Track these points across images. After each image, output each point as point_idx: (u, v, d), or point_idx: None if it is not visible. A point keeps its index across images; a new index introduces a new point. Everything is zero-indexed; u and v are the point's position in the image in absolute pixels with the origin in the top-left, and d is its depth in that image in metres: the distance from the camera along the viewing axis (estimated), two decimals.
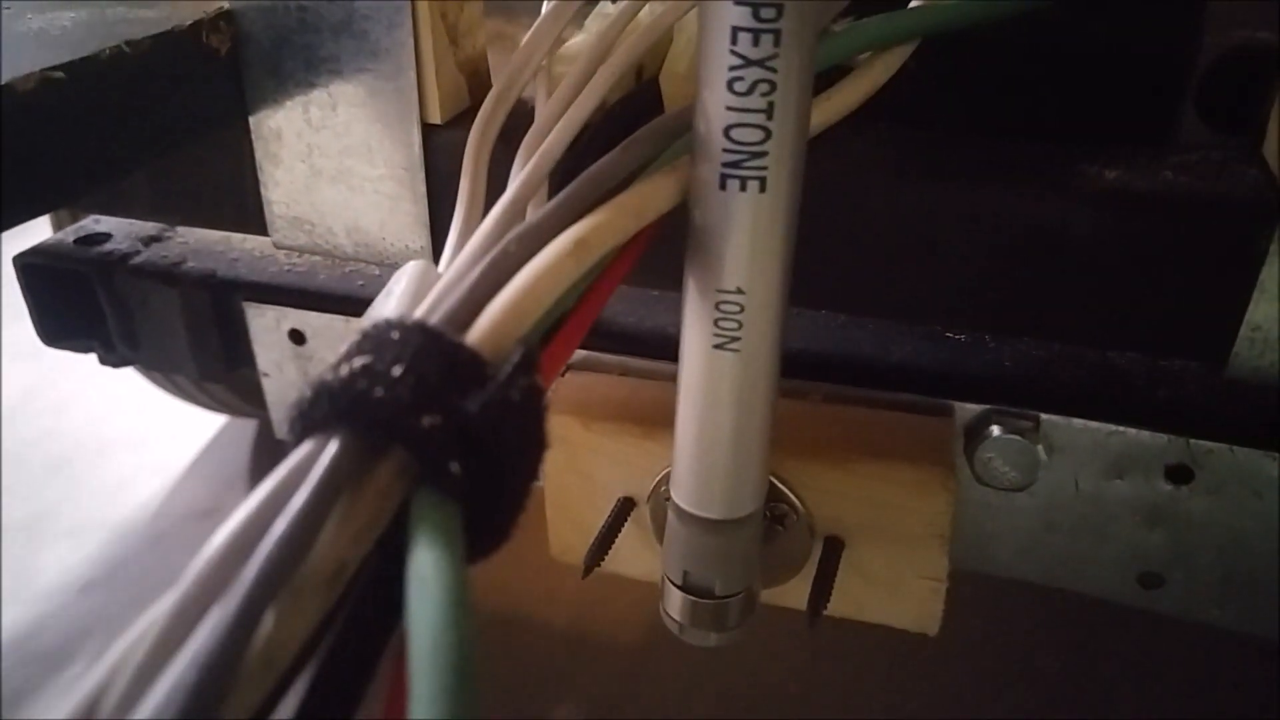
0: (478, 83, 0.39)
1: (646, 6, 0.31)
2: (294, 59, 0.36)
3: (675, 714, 0.76)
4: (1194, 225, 0.30)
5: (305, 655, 0.14)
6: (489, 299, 0.18)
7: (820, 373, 0.33)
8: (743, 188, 0.21)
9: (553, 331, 0.21)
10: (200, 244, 0.42)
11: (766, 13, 0.19)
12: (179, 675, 0.12)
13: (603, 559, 0.33)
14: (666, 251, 0.24)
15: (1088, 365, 0.32)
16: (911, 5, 0.29)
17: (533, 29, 0.32)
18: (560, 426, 0.33)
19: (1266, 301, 0.30)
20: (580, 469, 0.34)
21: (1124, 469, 0.31)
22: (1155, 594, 0.33)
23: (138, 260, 0.40)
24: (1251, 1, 0.35)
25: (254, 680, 0.13)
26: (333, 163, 0.38)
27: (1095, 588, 0.33)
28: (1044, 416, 0.31)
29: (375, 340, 0.17)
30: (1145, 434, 0.30)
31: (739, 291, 0.23)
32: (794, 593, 0.32)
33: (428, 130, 0.36)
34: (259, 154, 0.39)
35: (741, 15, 0.20)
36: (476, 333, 0.18)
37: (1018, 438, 0.31)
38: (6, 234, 0.30)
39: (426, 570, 0.14)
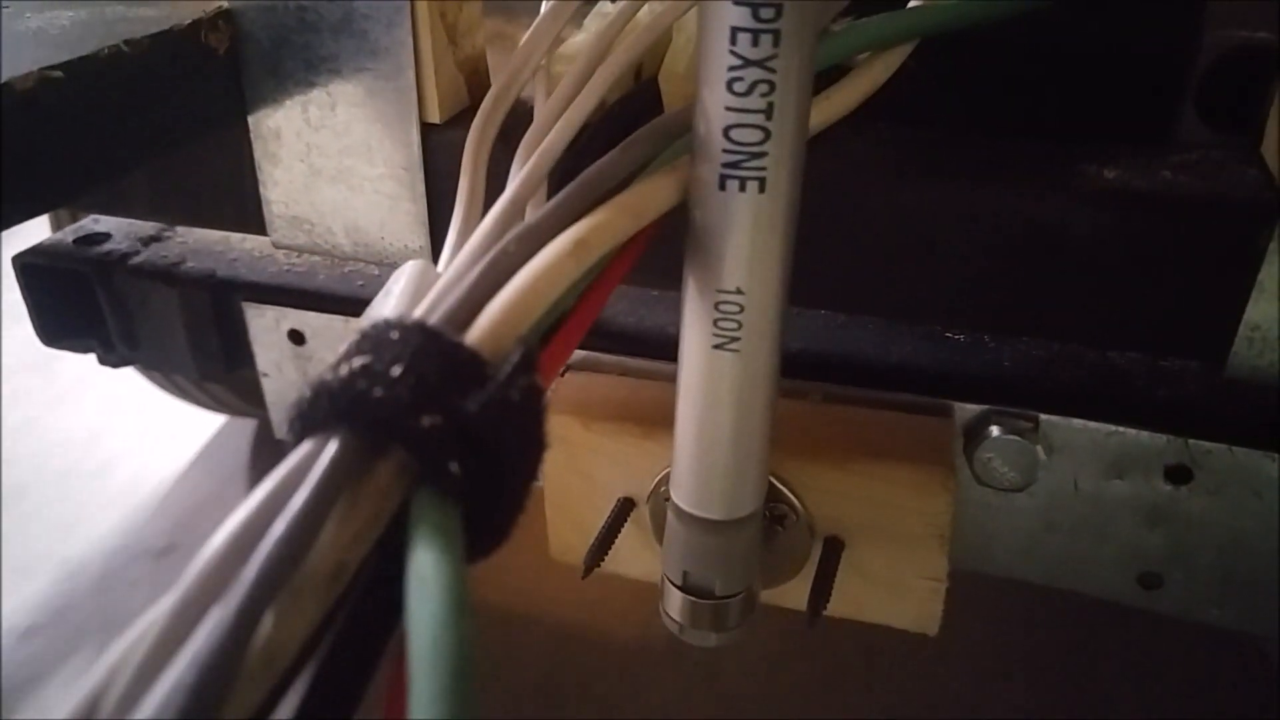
0: (477, 82, 0.38)
1: (645, 6, 0.31)
2: (293, 58, 0.36)
3: (675, 714, 0.76)
4: (1193, 225, 0.30)
5: (305, 655, 0.14)
6: (488, 299, 0.18)
7: (820, 373, 0.33)
8: (742, 188, 0.21)
9: (552, 331, 0.21)
10: (200, 244, 0.42)
11: (766, 13, 0.19)
12: (179, 675, 0.12)
13: (603, 559, 0.33)
14: (666, 251, 0.24)
15: (1087, 365, 0.32)
16: (911, 5, 0.29)
17: (532, 28, 0.32)
18: (560, 426, 0.33)
19: (1265, 301, 0.30)
20: (580, 469, 0.34)
21: (1123, 469, 0.31)
22: (1155, 594, 0.33)
23: (137, 260, 0.40)
24: (1251, 1, 0.35)
25: (254, 680, 0.13)
26: (332, 162, 0.38)
27: (1095, 588, 0.33)
28: (1043, 417, 0.31)
29: (375, 340, 0.16)
30: (1145, 434, 0.30)
31: (738, 292, 0.23)
32: (794, 593, 0.32)
33: (427, 130, 0.36)
34: (258, 153, 0.39)
35: (741, 15, 0.20)
36: (476, 332, 0.18)
37: (1017, 438, 0.31)
38: (6, 234, 0.30)
39: (426, 570, 0.14)
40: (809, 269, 0.25)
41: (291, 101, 0.37)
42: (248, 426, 1.12)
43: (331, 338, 0.38)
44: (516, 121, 0.31)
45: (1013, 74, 0.34)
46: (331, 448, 0.15)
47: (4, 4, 0.35)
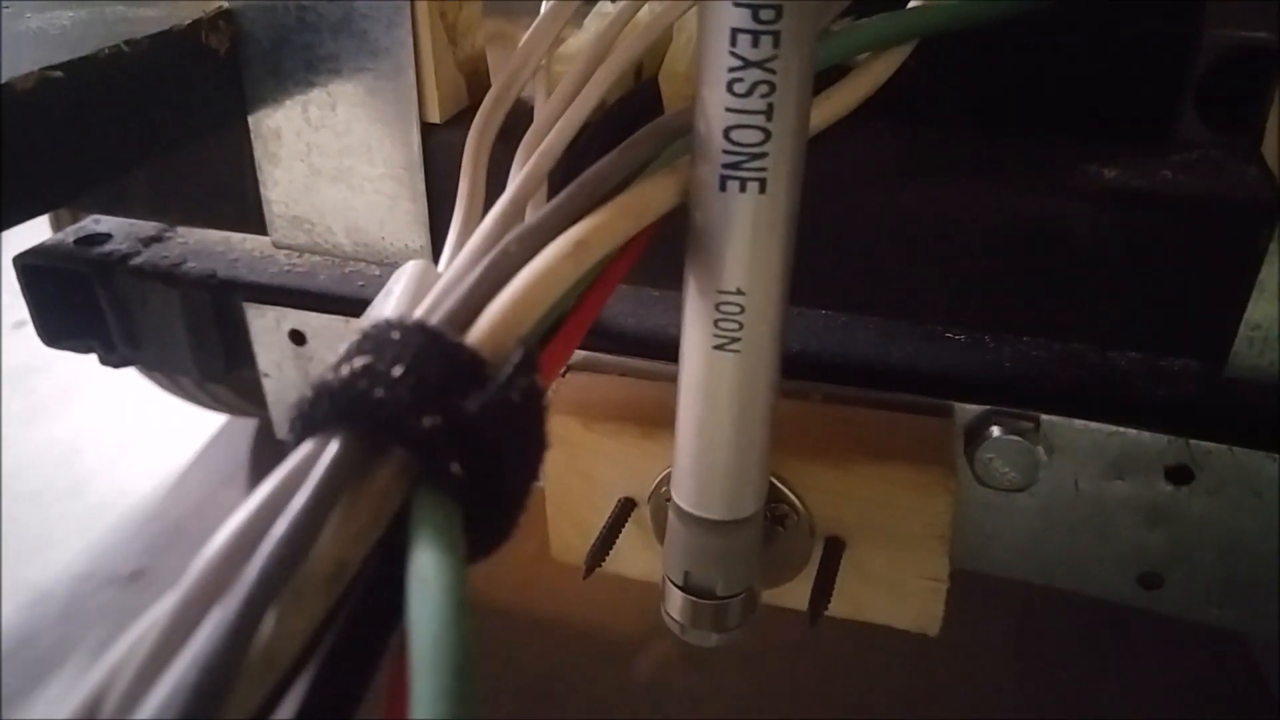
0: (477, 82, 0.39)
1: (646, 6, 0.31)
2: (293, 58, 0.36)
3: (676, 714, 0.76)
4: (1194, 224, 0.30)
5: (306, 655, 0.14)
6: (489, 299, 0.18)
7: (821, 373, 0.33)
8: (742, 189, 0.21)
9: (552, 331, 0.21)
10: (200, 244, 0.42)
11: (766, 14, 0.19)
12: (180, 675, 0.12)
13: (604, 559, 0.33)
14: (667, 251, 0.24)
15: (1088, 366, 0.32)
16: (911, 5, 0.29)
17: (532, 28, 0.32)
18: (561, 427, 0.33)
19: (1266, 300, 0.30)
20: (581, 469, 0.34)
21: (1124, 469, 0.31)
22: (1155, 594, 0.33)
23: (138, 261, 0.40)
24: (1251, 1, 0.35)
25: (255, 680, 0.13)
26: (332, 162, 0.38)
27: (1095, 588, 0.33)
28: (1044, 417, 0.31)
29: (375, 340, 0.17)
30: (1145, 435, 0.30)
31: (739, 292, 0.23)
32: (795, 593, 0.32)
33: (427, 129, 0.36)
34: (258, 153, 0.39)
35: (741, 17, 0.20)
36: (476, 333, 0.18)
37: (1018, 438, 0.31)
38: (6, 234, 0.30)
39: (427, 570, 0.14)
40: (809, 268, 0.26)
41: (292, 101, 0.37)
42: (244, 429, 1.11)
43: (332, 338, 0.38)
44: (517, 121, 0.31)
45: (1013, 74, 0.34)
46: (332, 448, 0.15)
47: (4, 4, 0.35)
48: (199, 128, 0.36)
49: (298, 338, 0.38)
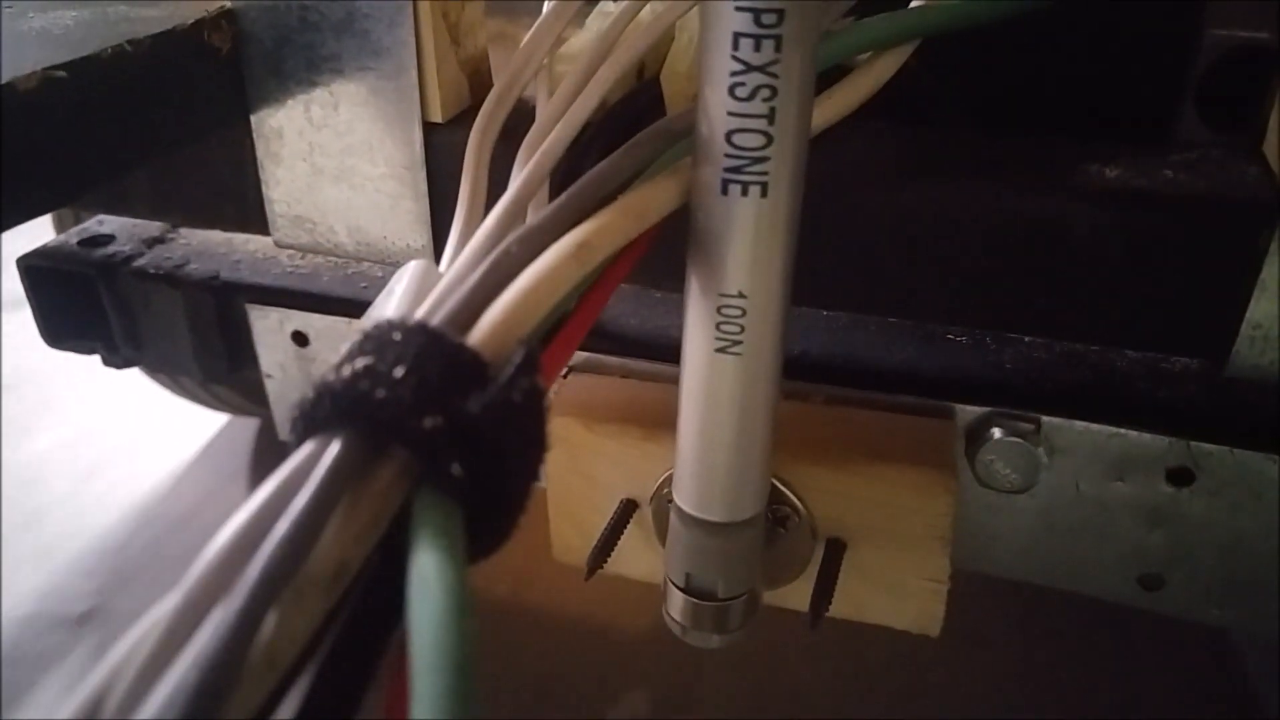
0: (479, 82, 0.39)
1: (648, 6, 0.31)
2: (295, 58, 0.36)
3: (676, 714, 0.76)
4: (1195, 224, 0.30)
5: (307, 655, 0.14)
6: (491, 300, 0.18)
7: (822, 375, 0.33)
8: (744, 193, 0.21)
9: (554, 332, 0.21)
10: (203, 246, 0.42)
11: (768, 18, 0.19)
12: (182, 675, 0.12)
13: (605, 561, 0.33)
14: (669, 253, 0.24)
15: (1089, 367, 0.32)
16: (912, 5, 0.29)
17: (534, 28, 0.32)
18: (562, 428, 0.33)
19: (1267, 300, 0.30)
20: (582, 470, 0.34)
21: (1125, 471, 0.31)
22: (1156, 595, 0.33)
23: (141, 262, 0.40)
24: (1251, 1, 0.35)
25: (256, 680, 0.13)
26: (334, 161, 0.38)
27: (1096, 589, 0.33)
28: (1045, 419, 0.31)
29: (377, 341, 0.17)
30: (1146, 436, 0.30)
31: (740, 295, 0.23)
32: (796, 594, 0.32)
33: (429, 129, 0.36)
34: (260, 153, 0.39)
35: (743, 21, 0.20)
36: (478, 334, 0.18)
37: (1019, 440, 0.31)
38: (7, 234, 0.30)
39: (428, 571, 0.14)
40: (810, 269, 0.26)
41: (294, 101, 0.37)
42: (245, 430, 1.10)
43: (335, 339, 0.38)
44: (518, 121, 0.31)
45: (1013, 74, 0.34)
46: (334, 448, 0.15)
47: (7, 4, 0.35)
48: (201, 127, 0.36)
49: (300, 339, 0.38)
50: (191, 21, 0.34)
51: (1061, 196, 0.31)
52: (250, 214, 0.41)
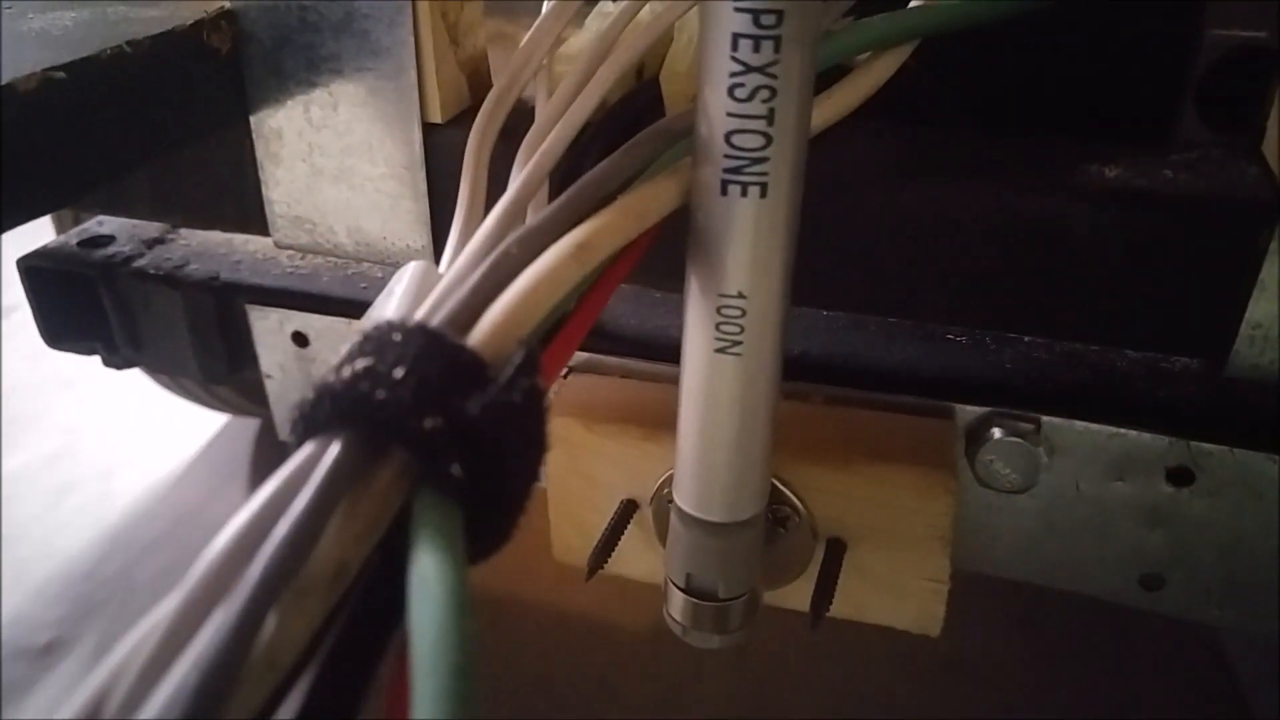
0: (478, 82, 0.39)
1: (647, 6, 0.31)
2: (295, 58, 0.36)
3: (676, 714, 0.76)
4: (1194, 223, 0.30)
5: (307, 656, 0.14)
6: (490, 301, 0.18)
7: (822, 375, 0.33)
8: (744, 193, 0.21)
9: (553, 333, 0.21)
10: (203, 246, 0.42)
11: (767, 19, 0.19)
12: (183, 676, 0.12)
13: (606, 561, 0.33)
14: (669, 253, 0.24)
15: (1089, 367, 0.32)
16: (912, 5, 0.29)
17: (533, 28, 0.32)
18: (562, 428, 0.33)
19: (1266, 299, 0.30)
20: (582, 471, 0.34)
21: (1125, 471, 0.31)
22: (1156, 595, 0.33)
23: (141, 263, 0.40)
24: (1251, 1, 0.35)
25: (257, 681, 0.13)
26: (334, 162, 0.38)
27: (1096, 589, 0.33)
28: (1045, 419, 0.31)
29: (377, 342, 0.17)
30: (1146, 436, 0.30)
31: (740, 296, 0.23)
32: (797, 594, 0.32)
33: (429, 129, 0.36)
34: (260, 153, 0.39)
35: (742, 22, 0.20)
36: (478, 335, 0.18)
37: (1019, 440, 0.31)
38: (8, 235, 0.30)
39: (428, 571, 0.14)
40: (809, 268, 0.26)
41: (293, 101, 0.37)
42: (245, 431, 1.10)
43: (335, 339, 0.38)
44: (518, 121, 0.31)
45: (1013, 74, 0.34)
46: (334, 449, 0.15)
47: (6, 4, 0.35)
48: (201, 128, 0.36)
49: (300, 339, 0.38)
50: (191, 22, 0.34)
51: (1061, 196, 0.31)
52: (250, 214, 0.41)
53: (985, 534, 0.33)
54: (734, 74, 0.20)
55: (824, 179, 0.29)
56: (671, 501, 0.28)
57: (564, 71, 0.31)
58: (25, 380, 1.16)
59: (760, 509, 0.28)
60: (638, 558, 0.34)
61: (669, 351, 0.30)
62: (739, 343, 0.23)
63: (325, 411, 0.16)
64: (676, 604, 0.29)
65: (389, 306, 0.20)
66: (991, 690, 0.77)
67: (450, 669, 0.13)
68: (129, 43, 0.31)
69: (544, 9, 0.32)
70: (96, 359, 0.42)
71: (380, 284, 0.38)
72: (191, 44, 0.34)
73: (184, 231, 0.43)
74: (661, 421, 0.31)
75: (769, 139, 0.21)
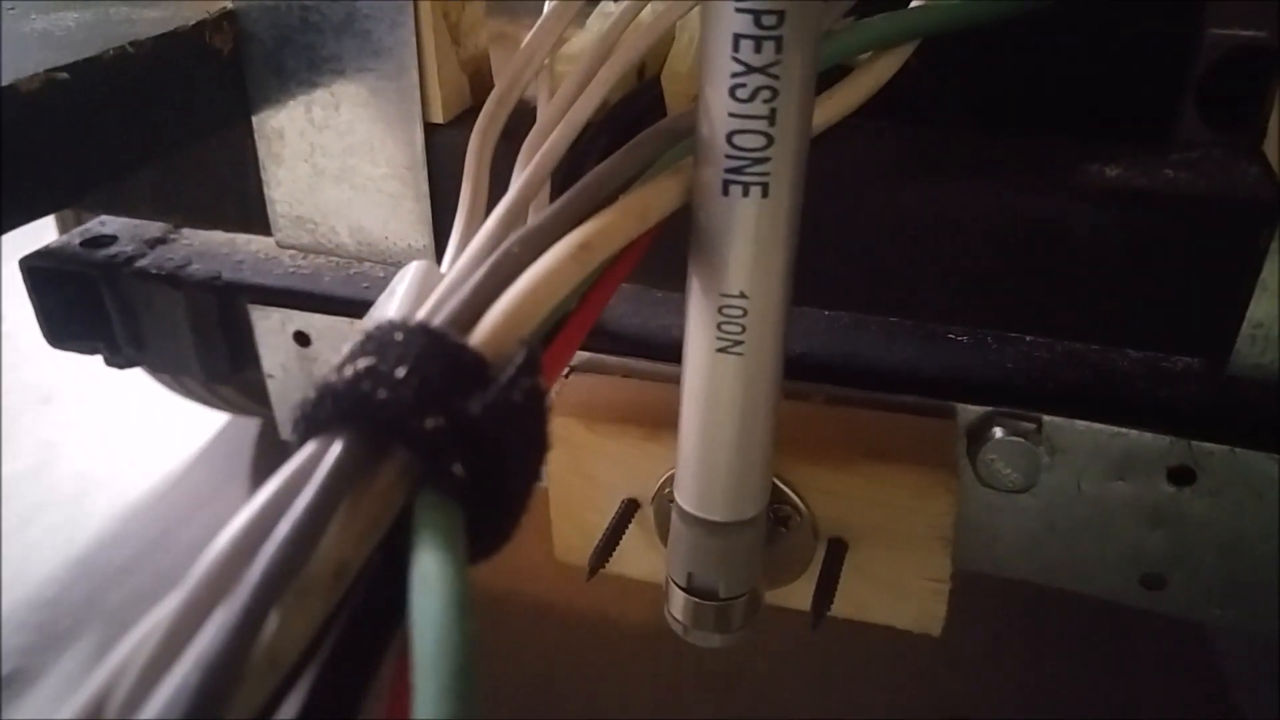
0: (480, 82, 0.39)
1: (648, 6, 0.31)
2: (296, 58, 0.36)
3: (677, 714, 0.76)
4: (1195, 223, 0.30)
5: (309, 655, 0.14)
6: (492, 301, 0.18)
7: (823, 375, 0.33)
8: (745, 193, 0.21)
9: (555, 332, 0.21)
10: (205, 246, 0.42)
11: (768, 20, 0.19)
12: (184, 676, 0.12)
13: (607, 560, 0.33)
14: (670, 253, 0.24)
15: (1090, 366, 0.32)
16: (912, 5, 0.29)
17: (535, 28, 0.32)
18: (563, 428, 0.33)
19: (1267, 299, 0.30)
20: (583, 471, 0.34)
21: (1126, 471, 0.31)
22: (1157, 595, 0.33)
23: (143, 263, 0.40)
24: (1251, 1, 0.35)
25: (258, 681, 0.13)
26: (335, 162, 0.38)
27: (1097, 588, 0.33)
28: (1046, 418, 0.31)
29: (379, 341, 0.17)
30: (1147, 436, 0.30)
31: (742, 295, 0.23)
32: (798, 594, 0.32)
33: (430, 129, 0.36)
34: (262, 153, 0.39)
35: (744, 22, 0.20)
36: (479, 334, 0.18)
37: (1020, 440, 0.31)
38: (8, 235, 0.30)
39: (429, 571, 0.14)
40: (810, 268, 0.26)
41: (295, 101, 0.37)
42: (235, 437, 1.09)
43: (336, 339, 0.38)
44: (519, 121, 0.31)
45: (1014, 74, 0.34)
46: (336, 449, 0.15)
47: (8, 5, 0.35)
48: (203, 128, 0.36)
49: (302, 339, 0.38)
50: (193, 23, 0.34)
51: (1062, 196, 0.31)
52: (252, 214, 0.41)
53: (986, 533, 0.33)
54: (735, 74, 0.20)
55: (825, 179, 0.29)
56: (673, 501, 0.28)
57: (565, 72, 0.31)
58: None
59: (761, 508, 0.28)
60: (639, 557, 0.34)
61: (670, 351, 0.30)
62: (740, 342, 0.23)
63: (327, 411, 0.16)
64: (678, 603, 0.29)
65: (391, 306, 0.20)
66: (992, 690, 0.77)
67: (451, 668, 0.13)
68: (131, 43, 0.31)
69: (545, 9, 0.32)
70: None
71: (382, 284, 0.38)
72: (193, 44, 0.34)
73: (186, 231, 0.43)
74: (663, 421, 0.31)
75: (770, 139, 0.21)
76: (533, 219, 0.21)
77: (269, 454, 1.07)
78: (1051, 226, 0.31)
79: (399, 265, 0.38)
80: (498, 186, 0.27)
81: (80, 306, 0.41)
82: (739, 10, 0.19)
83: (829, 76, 0.28)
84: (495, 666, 0.78)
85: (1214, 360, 0.32)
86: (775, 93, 0.20)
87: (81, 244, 0.41)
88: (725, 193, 0.21)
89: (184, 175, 0.42)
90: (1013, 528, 0.33)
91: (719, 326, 0.23)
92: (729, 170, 0.21)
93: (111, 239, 0.42)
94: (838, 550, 0.32)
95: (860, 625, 0.33)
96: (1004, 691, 0.77)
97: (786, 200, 0.22)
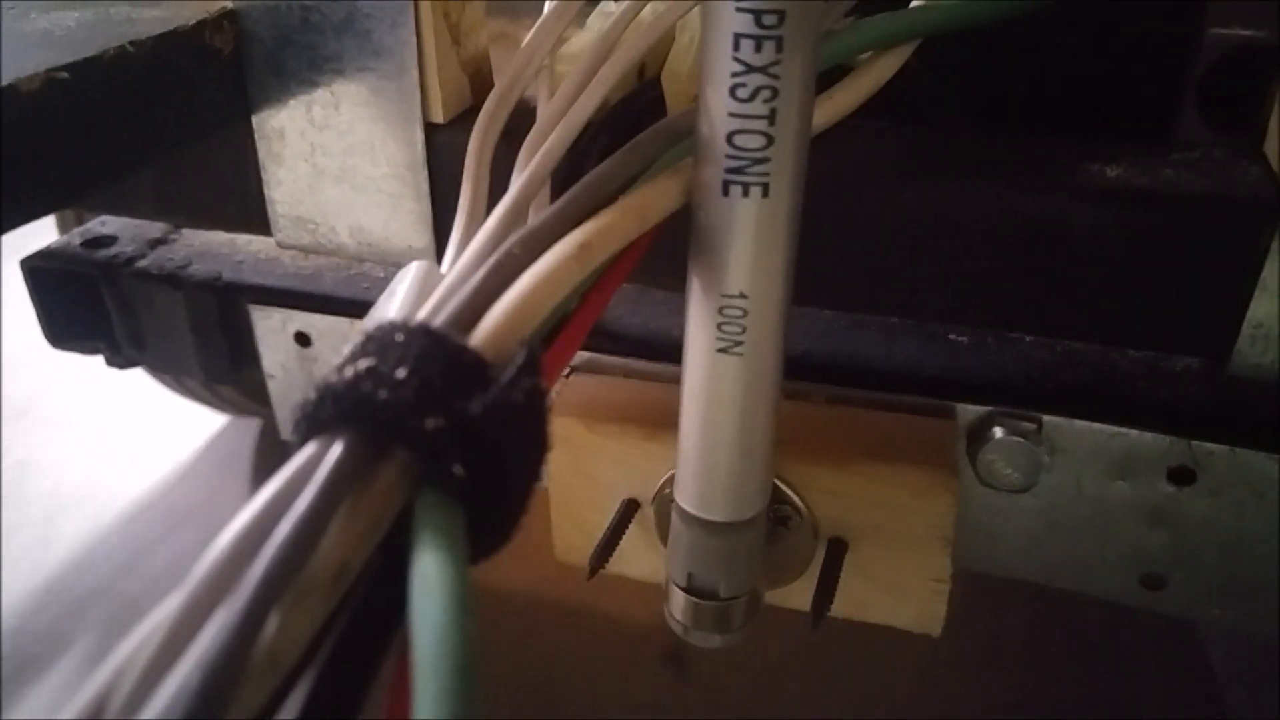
0: (480, 82, 0.39)
1: (649, 6, 0.31)
2: (297, 58, 0.36)
3: (677, 714, 0.76)
4: (1196, 223, 0.30)
5: (309, 656, 0.14)
6: (492, 301, 0.18)
7: (824, 375, 0.33)
8: (745, 193, 0.21)
9: (555, 333, 0.21)
10: (206, 246, 0.42)
11: (769, 20, 0.19)
12: (184, 676, 0.12)
13: (607, 561, 0.33)
14: (671, 253, 0.24)
15: (1090, 366, 0.32)
16: (912, 5, 0.29)
17: (535, 28, 0.32)
18: (564, 428, 0.33)
19: (1268, 299, 0.30)
20: (584, 471, 0.34)
21: (1126, 470, 0.31)
22: (1157, 595, 0.33)
23: (143, 263, 0.40)
24: (1252, 1, 0.35)
25: (259, 681, 0.13)
26: (336, 162, 0.38)
27: (1098, 588, 0.33)
28: (1047, 418, 0.31)
29: (379, 342, 0.17)
30: (1148, 436, 0.30)
31: (742, 296, 0.23)
32: (798, 594, 0.32)
33: (430, 129, 0.36)
34: (262, 153, 0.39)
35: (744, 22, 0.20)
36: (480, 335, 0.18)
37: (1020, 439, 0.31)
38: (8, 235, 0.30)
39: (429, 571, 0.14)
40: (811, 268, 0.26)
41: (295, 101, 0.37)
42: (235, 437, 1.09)
43: (337, 339, 0.38)
44: (520, 121, 0.31)
45: (1014, 73, 0.34)
46: (336, 449, 0.15)
47: (9, 4, 0.35)
48: (203, 128, 0.36)
49: (303, 339, 0.38)
50: (193, 22, 0.34)
51: (1062, 196, 0.31)
52: (252, 214, 0.41)
53: (987, 533, 0.33)
54: (735, 74, 0.20)
55: (825, 179, 0.29)
56: (673, 501, 0.28)
57: (566, 71, 0.31)
58: None
59: (761, 508, 0.28)
60: (639, 557, 0.34)
61: (670, 351, 0.30)
62: (740, 342, 0.23)
63: (327, 411, 0.16)
64: (678, 603, 0.29)
65: (391, 306, 0.20)
66: (992, 691, 0.77)
67: (451, 669, 0.13)
68: (131, 43, 0.31)
69: (546, 9, 0.32)
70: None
71: (382, 284, 0.38)
72: (194, 44, 0.34)
73: (186, 231, 0.43)
74: (663, 421, 0.31)
75: (770, 139, 0.21)
76: (533, 219, 0.21)
77: (269, 454, 1.07)
78: (1052, 226, 0.31)
79: (399, 265, 0.38)
80: (498, 186, 0.27)
81: (81, 307, 0.41)
82: (739, 10, 0.19)
83: (829, 76, 0.28)
84: (495, 666, 0.78)
85: (1214, 360, 0.32)
86: (775, 93, 0.20)
87: (82, 244, 0.41)
88: (725, 193, 0.21)
89: (184, 175, 0.42)
90: (1013, 528, 0.33)
91: (719, 327, 0.23)
92: (729, 170, 0.21)
93: (112, 239, 0.42)
94: (838, 550, 0.32)
95: (860, 625, 0.33)
96: (1004, 691, 0.77)
97: (786, 200, 0.22)
